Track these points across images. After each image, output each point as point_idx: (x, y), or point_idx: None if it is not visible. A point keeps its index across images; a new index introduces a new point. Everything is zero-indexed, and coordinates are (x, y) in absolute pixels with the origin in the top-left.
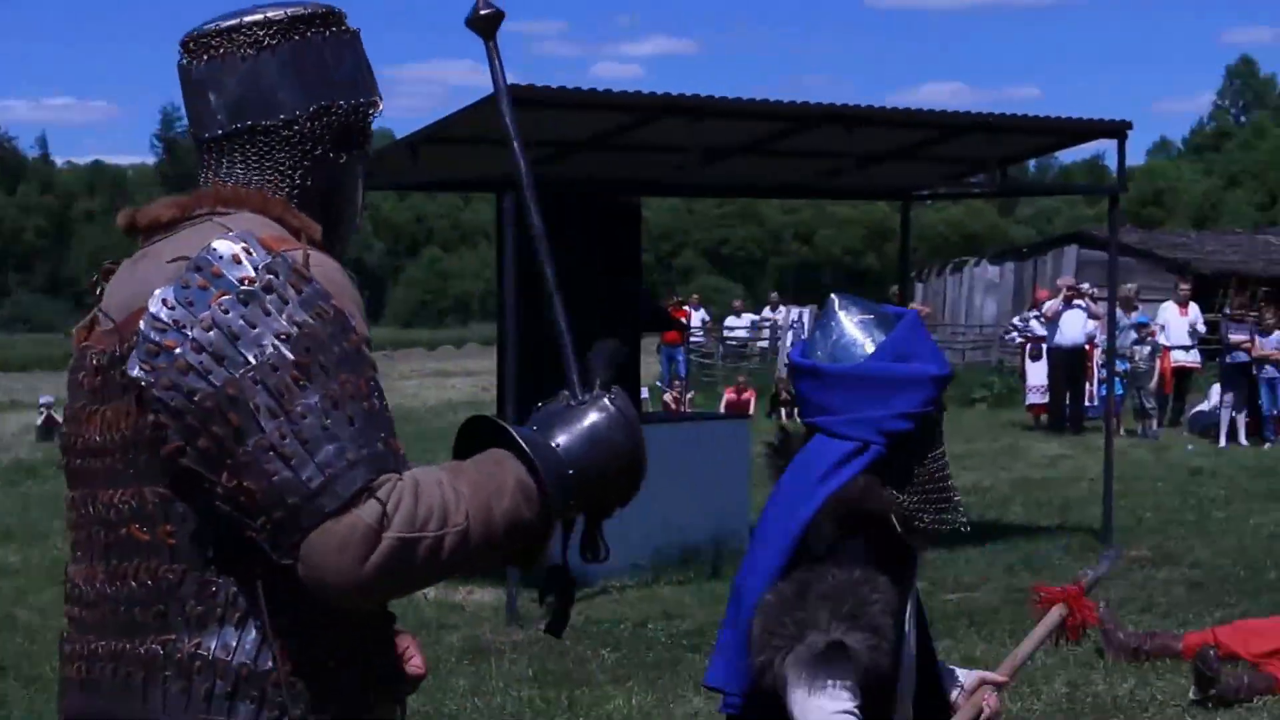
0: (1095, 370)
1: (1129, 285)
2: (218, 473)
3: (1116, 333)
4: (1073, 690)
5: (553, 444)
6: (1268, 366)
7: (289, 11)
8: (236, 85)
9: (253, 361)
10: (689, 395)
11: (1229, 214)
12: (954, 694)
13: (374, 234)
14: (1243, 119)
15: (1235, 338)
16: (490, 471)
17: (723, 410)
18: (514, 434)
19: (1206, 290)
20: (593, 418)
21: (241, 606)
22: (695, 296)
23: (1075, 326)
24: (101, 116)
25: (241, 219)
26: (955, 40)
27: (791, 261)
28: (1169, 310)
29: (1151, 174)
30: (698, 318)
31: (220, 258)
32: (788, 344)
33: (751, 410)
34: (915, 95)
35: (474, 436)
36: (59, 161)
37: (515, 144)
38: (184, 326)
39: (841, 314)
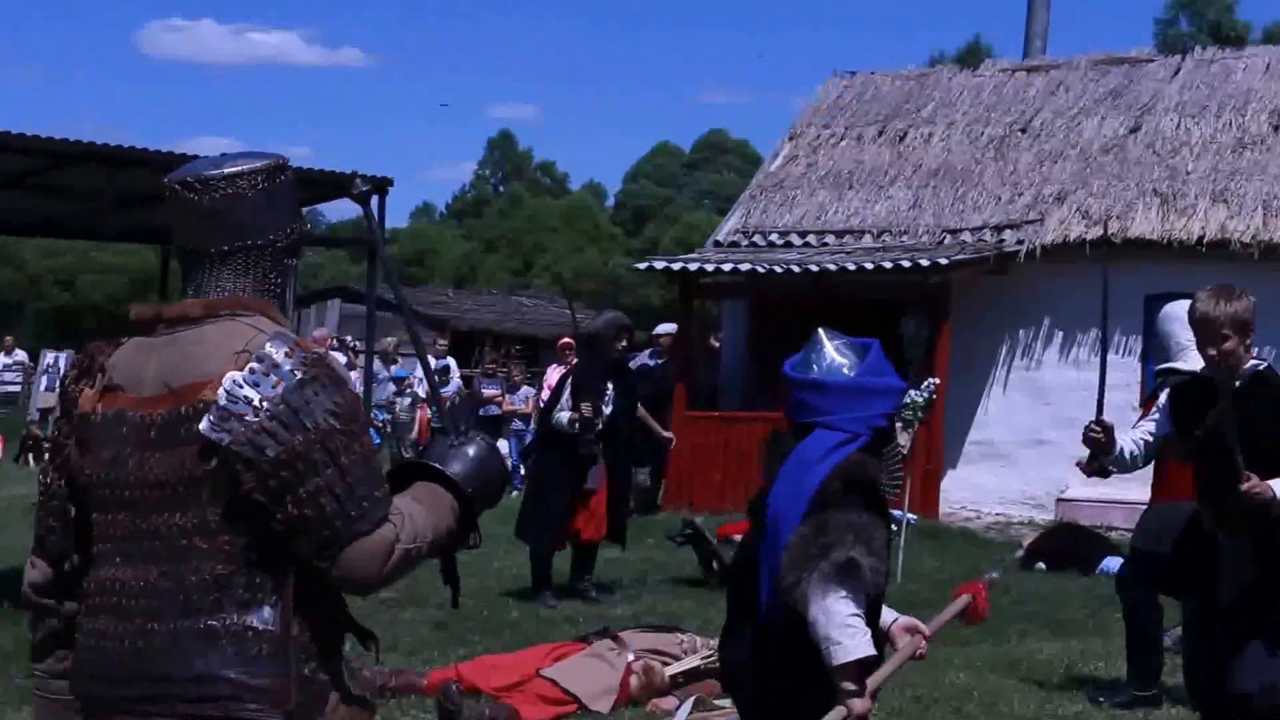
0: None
1: (389, 339)
2: (281, 504)
3: (375, 385)
4: None
5: (452, 473)
6: (515, 420)
7: (269, 163)
8: (240, 215)
9: (311, 428)
10: None
11: (485, 276)
12: (888, 620)
13: None
14: (501, 189)
15: (488, 392)
16: (435, 501)
17: None
18: (450, 476)
19: (464, 346)
20: (473, 451)
21: (274, 592)
22: None
23: None
24: None
25: (257, 319)
26: (230, 96)
27: (51, 306)
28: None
29: (415, 236)
30: None
31: (276, 353)
32: (41, 388)
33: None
34: (193, 147)
35: (403, 473)
36: None
37: (393, 279)
38: (252, 400)
39: (827, 342)
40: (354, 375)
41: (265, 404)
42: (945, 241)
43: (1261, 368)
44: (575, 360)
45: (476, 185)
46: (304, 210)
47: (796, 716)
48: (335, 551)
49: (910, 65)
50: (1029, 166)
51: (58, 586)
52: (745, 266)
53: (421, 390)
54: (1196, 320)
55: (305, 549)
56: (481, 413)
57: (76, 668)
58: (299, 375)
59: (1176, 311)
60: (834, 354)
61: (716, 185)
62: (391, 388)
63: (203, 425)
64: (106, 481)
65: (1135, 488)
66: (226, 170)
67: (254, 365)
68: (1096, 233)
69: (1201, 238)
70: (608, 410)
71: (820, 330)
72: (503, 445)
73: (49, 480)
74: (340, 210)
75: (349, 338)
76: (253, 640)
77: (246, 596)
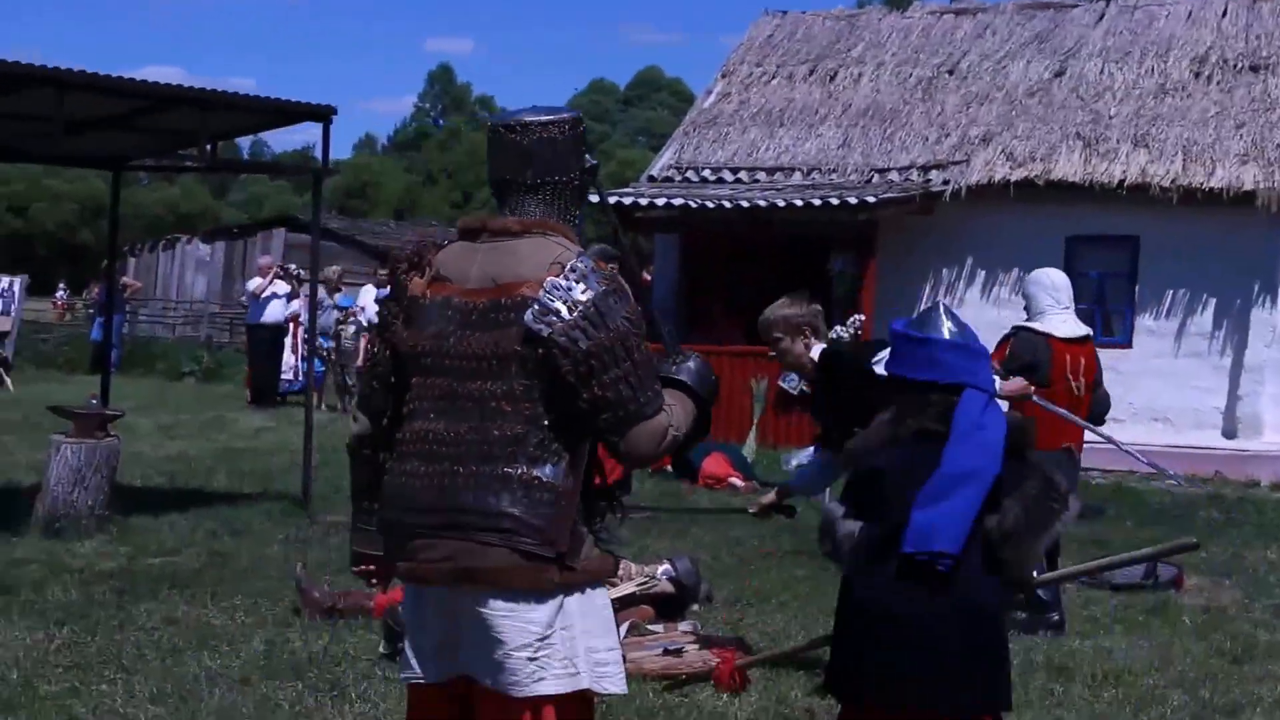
0: (300, 346)
1: (334, 268)
2: (588, 386)
3: (320, 312)
4: (270, 648)
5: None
6: None
7: (573, 115)
8: (551, 155)
9: (613, 329)
10: None
11: (427, 208)
12: None
13: None
14: (441, 122)
15: None
16: (683, 401)
17: None
18: (690, 384)
19: None
20: (693, 365)
21: (560, 454)
22: None
23: (276, 305)
24: None
25: (561, 239)
26: (176, 26)
27: (4, 233)
28: (370, 293)
29: (357, 168)
30: None
31: (583, 266)
32: None
33: None
34: (142, 75)
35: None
36: None
37: (625, 248)
38: (567, 302)
39: (943, 310)
40: (296, 303)
41: (579, 306)
42: (873, 180)
43: (820, 350)
44: None
45: (417, 118)
46: (252, 138)
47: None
48: (625, 429)
49: (840, 5)
50: (956, 108)
51: (372, 439)
52: (679, 201)
53: (364, 319)
54: (760, 324)
55: (604, 425)
56: None
57: (387, 500)
58: (602, 286)
59: (1038, 277)
60: (950, 321)
61: (650, 122)
62: (335, 315)
63: (527, 317)
64: (430, 352)
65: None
66: (542, 118)
67: (568, 273)
68: (1020, 174)
69: (1122, 181)
70: None
71: (939, 303)
72: None
73: (375, 350)
74: (285, 141)
75: (293, 266)
76: (537, 489)
77: (537, 454)
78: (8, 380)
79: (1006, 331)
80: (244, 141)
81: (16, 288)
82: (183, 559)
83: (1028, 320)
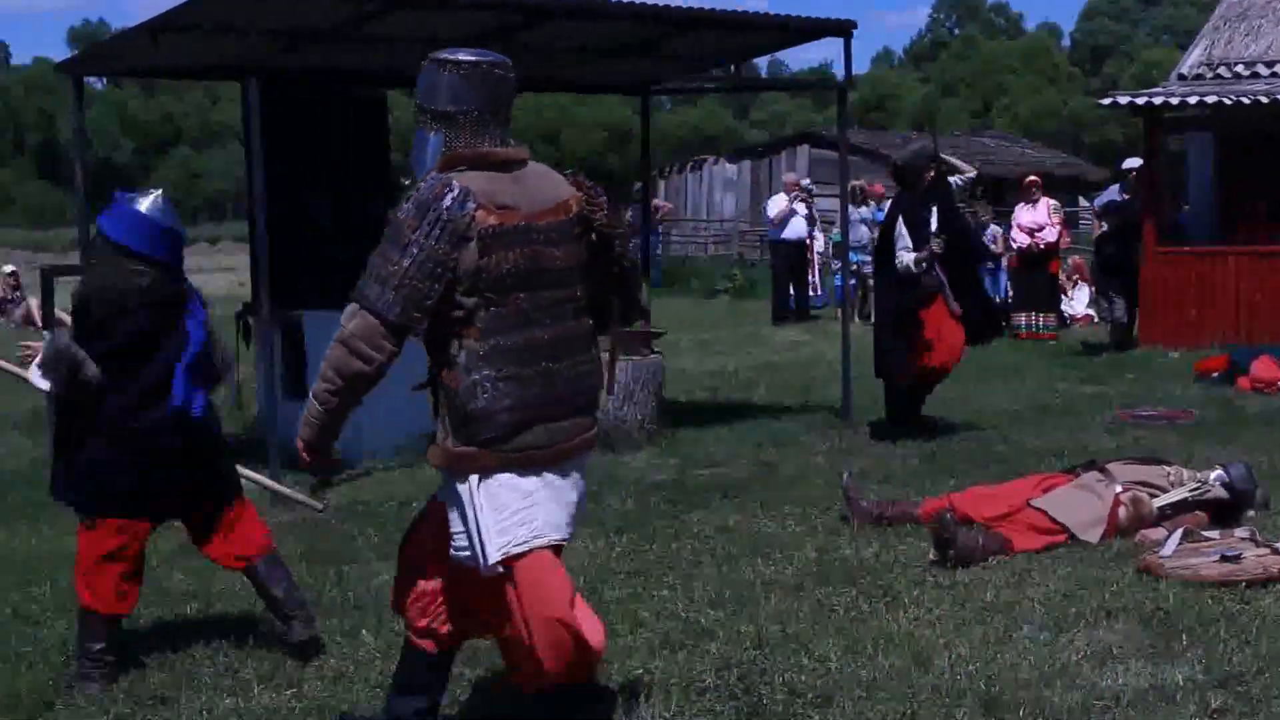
0: (818, 262)
1: (858, 182)
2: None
3: (849, 225)
4: (821, 555)
5: None
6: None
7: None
8: (507, 90)
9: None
10: None
11: (946, 119)
12: None
13: (121, 133)
14: (956, 31)
15: None
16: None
17: None
18: None
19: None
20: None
21: None
22: None
23: (798, 223)
24: None
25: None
26: None
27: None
28: None
29: (875, 81)
30: None
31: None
32: None
33: None
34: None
35: None
36: None
37: None
38: (601, 207)
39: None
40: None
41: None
42: None
43: None
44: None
45: (932, 29)
46: (769, 57)
47: None
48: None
49: None
50: None
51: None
52: (1211, 99)
53: None
54: None
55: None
56: None
57: (529, 399)
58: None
59: None
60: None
61: (1174, 20)
62: (864, 230)
63: (594, 218)
64: (525, 271)
65: None
66: (498, 57)
67: (594, 189)
68: None
69: None
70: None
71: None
72: None
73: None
74: (800, 59)
75: (806, 180)
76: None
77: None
78: None
79: None
80: (760, 61)
81: None
82: (731, 469)
83: None
